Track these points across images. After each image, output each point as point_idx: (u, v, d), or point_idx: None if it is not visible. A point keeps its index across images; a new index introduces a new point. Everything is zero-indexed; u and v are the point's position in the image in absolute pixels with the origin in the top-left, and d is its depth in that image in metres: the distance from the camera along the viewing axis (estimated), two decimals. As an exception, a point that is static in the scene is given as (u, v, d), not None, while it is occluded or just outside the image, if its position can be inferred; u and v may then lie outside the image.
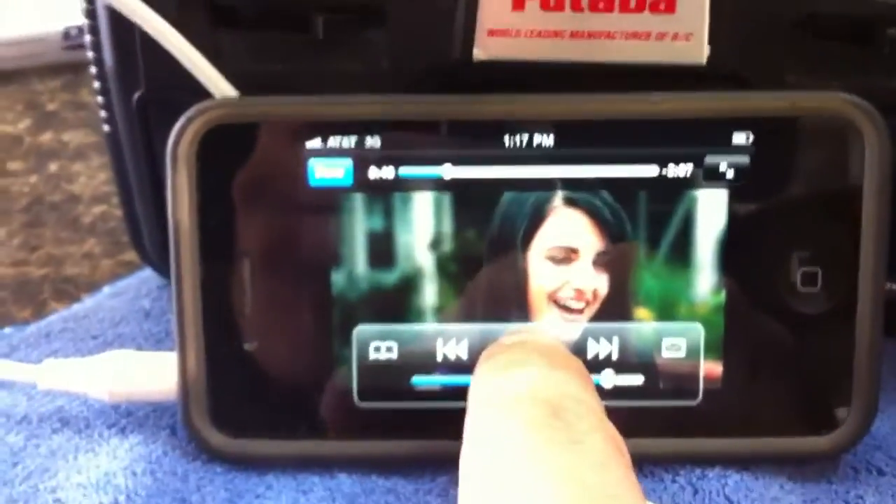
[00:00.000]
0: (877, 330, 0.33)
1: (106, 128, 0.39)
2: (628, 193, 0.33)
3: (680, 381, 0.34)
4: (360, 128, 0.33)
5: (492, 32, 0.34)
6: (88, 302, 0.43)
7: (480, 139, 0.33)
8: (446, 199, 0.33)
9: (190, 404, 0.33)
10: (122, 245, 0.48)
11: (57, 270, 0.48)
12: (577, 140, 0.33)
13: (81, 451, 0.34)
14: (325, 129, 0.33)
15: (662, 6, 0.34)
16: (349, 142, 0.33)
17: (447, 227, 0.34)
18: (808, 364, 0.34)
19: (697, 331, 0.34)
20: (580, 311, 0.34)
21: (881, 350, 0.33)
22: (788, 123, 0.33)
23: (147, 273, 0.44)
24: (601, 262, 0.34)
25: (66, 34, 0.61)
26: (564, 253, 0.34)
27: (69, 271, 0.48)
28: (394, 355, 0.34)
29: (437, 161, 0.33)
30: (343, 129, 0.33)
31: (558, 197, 0.34)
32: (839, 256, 0.33)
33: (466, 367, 0.33)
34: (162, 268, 0.42)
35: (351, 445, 0.34)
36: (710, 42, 0.34)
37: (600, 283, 0.34)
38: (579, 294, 0.34)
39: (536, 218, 0.34)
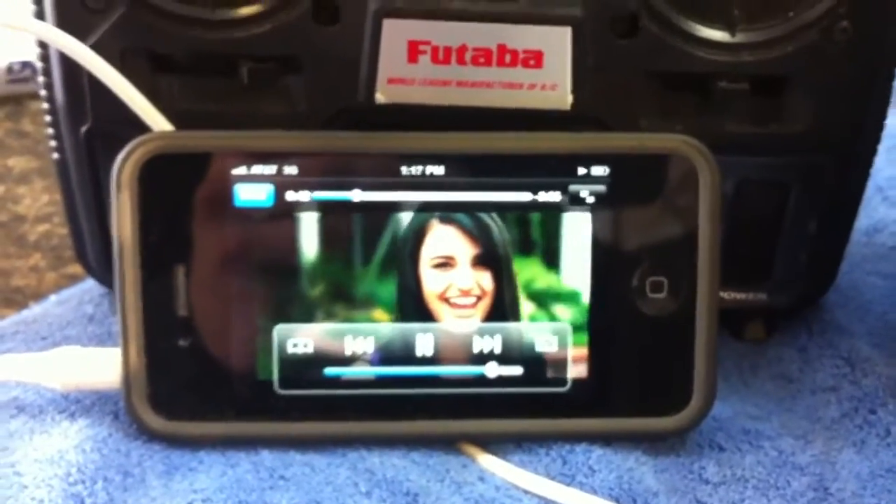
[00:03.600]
0: (713, 328, 0.38)
1: (55, 156, 0.42)
2: (507, 215, 0.38)
3: (552, 371, 0.39)
4: (280, 158, 0.37)
5: (391, 80, 0.39)
6: (36, 309, 0.46)
7: (381, 169, 0.38)
8: (353, 219, 0.38)
9: (132, 392, 0.37)
10: (65, 259, 0.50)
11: (6, 282, 0.50)
12: (463, 171, 0.38)
13: (37, 433, 0.37)
14: (249, 158, 0.37)
15: (532, 62, 0.38)
16: (270, 169, 0.37)
17: (354, 242, 0.38)
18: (658, 357, 0.39)
19: (566, 330, 0.39)
20: (472, 307, 0.39)
21: (716, 345, 0.39)
22: (639, 159, 0.39)
23: (90, 284, 0.47)
24: (478, 263, 0.38)
25: (10, 69, 0.64)
26: (444, 260, 0.39)
27: (17, 283, 0.50)
28: (310, 350, 0.38)
29: (347, 187, 0.38)
30: (265, 158, 0.37)
31: (438, 216, 0.38)
32: (681, 268, 0.39)
33: (372, 360, 0.39)
34: (104, 278, 0.44)
35: (272, 427, 0.38)
36: (573, 91, 0.39)
37: (483, 281, 0.39)
38: (465, 293, 0.39)
39: (421, 234, 0.38)
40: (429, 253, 0.38)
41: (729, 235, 0.41)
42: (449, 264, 0.39)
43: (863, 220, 0.55)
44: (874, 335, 0.47)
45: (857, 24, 0.39)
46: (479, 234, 0.38)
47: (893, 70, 0.42)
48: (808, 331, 0.47)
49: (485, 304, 0.39)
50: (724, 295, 0.43)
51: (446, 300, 0.39)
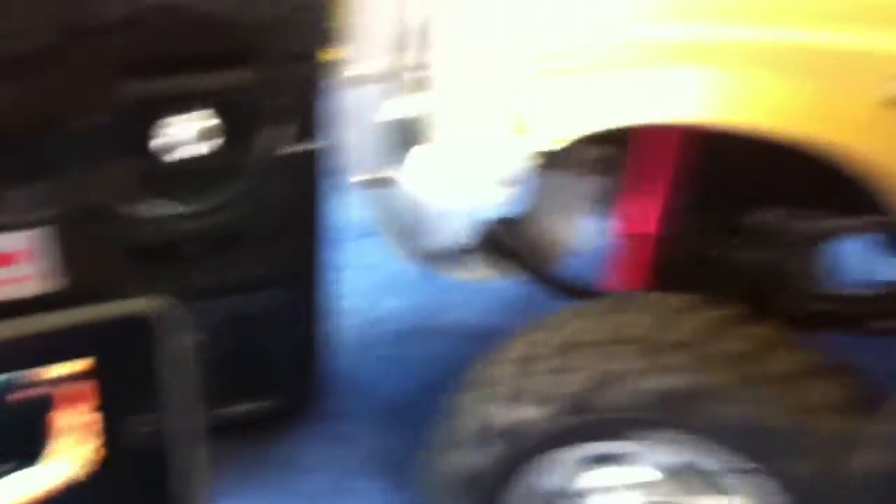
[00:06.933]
0: (198, 449, 0.46)
1: None
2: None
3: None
4: None
5: None
6: None
7: None
8: None
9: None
10: None
11: None
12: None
13: None
14: None
15: (9, 261, 0.47)
16: None
17: None
18: (156, 486, 0.46)
19: (70, 482, 0.46)
20: None
21: (206, 462, 0.46)
22: (119, 324, 0.45)
23: None
24: None
25: None
26: None
27: None
28: None
29: None
30: None
31: None
32: (166, 406, 0.45)
33: None
34: None
35: None
36: (62, 275, 0.47)
37: None
38: None
39: None
40: None
41: (220, 363, 0.50)
42: None
43: (369, 313, 0.68)
44: (364, 413, 0.59)
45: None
46: None
47: (324, 217, 0.54)
48: (312, 418, 0.59)
49: None
50: (230, 409, 0.54)
51: None
